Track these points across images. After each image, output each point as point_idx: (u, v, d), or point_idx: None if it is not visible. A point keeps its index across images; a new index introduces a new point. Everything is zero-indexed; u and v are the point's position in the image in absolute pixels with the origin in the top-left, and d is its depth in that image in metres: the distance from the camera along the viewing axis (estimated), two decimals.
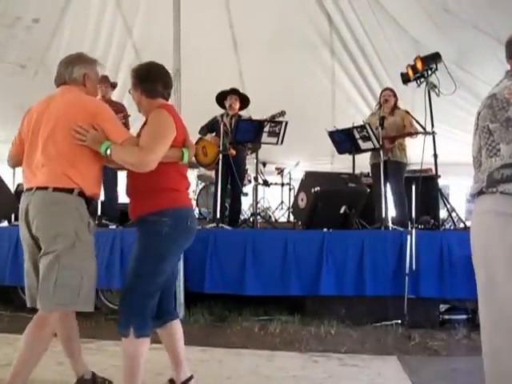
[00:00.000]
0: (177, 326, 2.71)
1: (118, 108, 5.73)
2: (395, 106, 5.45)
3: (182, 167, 2.46)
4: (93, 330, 4.15)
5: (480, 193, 1.80)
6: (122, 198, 6.03)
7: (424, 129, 5.02)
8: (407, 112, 5.39)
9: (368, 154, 5.53)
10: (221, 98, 5.75)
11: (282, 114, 5.35)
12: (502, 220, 1.75)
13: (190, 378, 2.68)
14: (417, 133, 5.20)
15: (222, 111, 5.78)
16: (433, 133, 4.96)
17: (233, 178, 5.58)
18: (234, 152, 5.46)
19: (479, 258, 2.01)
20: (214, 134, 5.61)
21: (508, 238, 1.74)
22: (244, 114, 6.07)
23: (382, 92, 5.60)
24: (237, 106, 5.68)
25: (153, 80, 2.49)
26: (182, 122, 2.48)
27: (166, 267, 2.43)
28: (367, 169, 5.83)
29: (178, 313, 2.77)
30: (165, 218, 2.34)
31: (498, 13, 5.15)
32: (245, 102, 5.79)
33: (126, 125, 5.74)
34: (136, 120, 7.44)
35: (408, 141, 5.41)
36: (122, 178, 5.86)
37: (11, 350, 3.31)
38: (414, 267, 4.22)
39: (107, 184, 5.45)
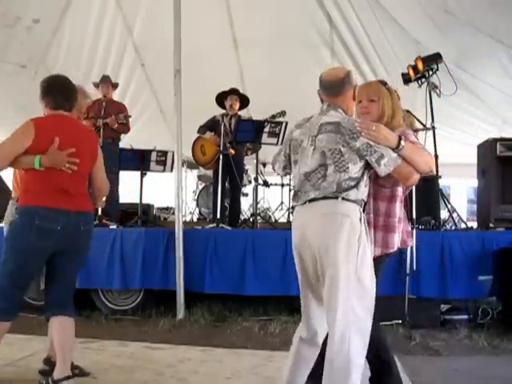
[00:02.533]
0: (59, 324, 2.65)
1: (120, 108, 5.75)
2: None
3: (47, 172, 2.58)
4: (93, 329, 4.16)
5: (324, 198, 2.22)
6: (123, 198, 6.04)
7: (424, 125, 5.00)
8: (408, 111, 5.38)
9: None
10: (221, 98, 5.75)
11: (283, 113, 5.34)
12: (343, 219, 2.18)
13: (63, 379, 2.55)
14: (417, 130, 5.19)
15: (221, 111, 5.78)
16: (432, 128, 4.94)
17: (232, 177, 5.58)
18: (233, 151, 5.45)
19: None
20: (212, 132, 5.61)
21: (346, 235, 2.17)
22: (244, 114, 6.06)
23: None
24: (237, 106, 5.68)
25: (53, 93, 2.70)
26: (56, 133, 2.60)
27: (19, 261, 2.57)
28: None
29: (69, 312, 2.68)
30: (16, 215, 2.63)
31: (498, 14, 5.15)
32: (244, 102, 5.79)
33: (127, 125, 5.75)
34: (136, 120, 7.49)
35: None
36: (122, 178, 5.88)
37: (12, 349, 3.31)
38: (414, 267, 4.22)
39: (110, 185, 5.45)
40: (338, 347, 2.12)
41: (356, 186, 2.22)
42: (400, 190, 2.41)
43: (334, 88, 2.35)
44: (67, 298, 2.72)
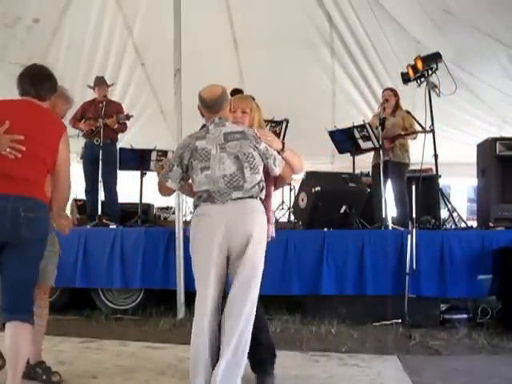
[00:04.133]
0: (10, 330, 2.39)
1: (119, 108, 5.75)
2: (397, 107, 5.44)
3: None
4: (93, 329, 4.16)
5: (250, 197, 2.60)
6: (123, 198, 6.05)
7: (423, 128, 5.02)
8: (408, 112, 5.39)
9: (369, 154, 5.53)
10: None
11: (285, 122, 5.35)
12: (263, 216, 2.66)
13: None
14: (414, 132, 5.20)
15: None
16: (431, 131, 4.95)
17: None
18: None
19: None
20: None
21: (265, 229, 2.71)
22: None
23: (383, 92, 5.60)
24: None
25: (22, 79, 2.70)
26: (9, 117, 2.49)
27: None
28: (367, 169, 5.83)
29: (22, 316, 2.40)
30: None
31: (497, 13, 5.15)
32: None
33: (125, 124, 5.74)
34: (137, 120, 7.49)
35: (409, 141, 5.41)
36: (122, 178, 5.88)
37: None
38: (414, 267, 4.23)
39: (107, 184, 5.46)
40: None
41: (263, 188, 2.65)
42: (272, 188, 2.91)
43: (215, 104, 2.68)
44: (19, 300, 2.42)
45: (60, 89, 2.84)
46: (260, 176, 2.63)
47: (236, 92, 5.72)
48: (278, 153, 2.71)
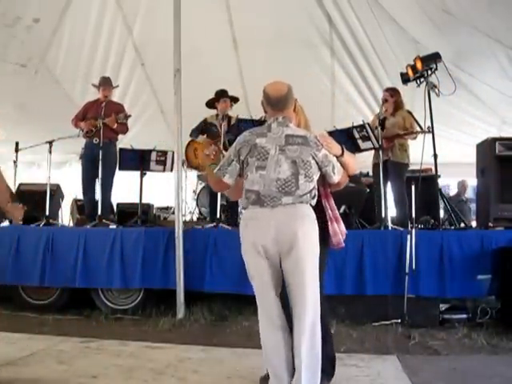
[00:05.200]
0: None
1: (119, 108, 5.75)
2: (398, 107, 5.44)
3: None
4: (93, 329, 4.17)
5: (300, 202, 2.55)
6: (123, 198, 6.05)
7: (422, 128, 5.02)
8: (409, 112, 5.39)
9: (369, 154, 5.53)
10: (212, 102, 5.81)
11: None
12: (313, 221, 2.59)
13: None
14: (413, 132, 5.20)
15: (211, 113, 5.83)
16: (429, 131, 4.95)
17: None
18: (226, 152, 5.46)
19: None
20: (205, 135, 5.67)
21: (316, 234, 2.60)
22: (244, 114, 6.07)
23: (383, 92, 5.61)
24: (228, 107, 5.78)
25: None
26: None
27: None
28: (367, 169, 5.84)
29: None
30: None
31: (496, 13, 5.15)
32: (235, 102, 5.89)
33: (126, 125, 5.74)
34: (136, 120, 7.50)
35: (409, 141, 5.41)
36: (122, 178, 5.89)
37: (12, 349, 3.32)
38: (413, 267, 4.23)
39: (103, 184, 5.46)
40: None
41: (315, 195, 2.62)
42: (329, 190, 2.84)
43: (281, 102, 2.63)
44: None
45: None
46: (313, 184, 2.59)
47: (225, 94, 5.78)
48: (337, 158, 2.67)
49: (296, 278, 2.50)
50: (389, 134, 5.27)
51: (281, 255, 2.52)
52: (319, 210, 2.68)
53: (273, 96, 2.62)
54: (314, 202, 2.61)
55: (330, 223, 2.73)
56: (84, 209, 5.84)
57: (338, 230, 2.76)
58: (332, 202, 2.81)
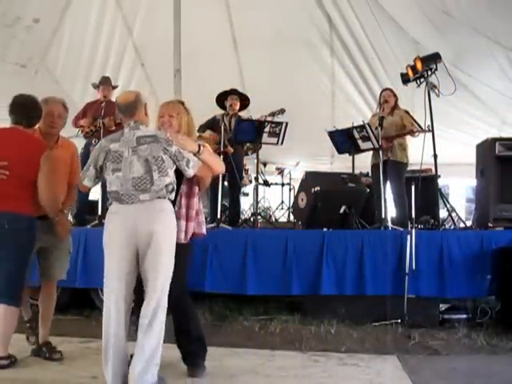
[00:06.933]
0: None
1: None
2: (395, 106, 5.45)
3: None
4: (93, 329, 4.15)
5: (158, 197, 2.76)
6: None
7: (421, 128, 5.02)
8: (406, 112, 5.39)
9: (369, 154, 5.54)
10: (221, 99, 5.75)
11: (282, 111, 5.34)
12: (171, 215, 2.83)
13: None
14: (413, 131, 5.19)
15: (222, 112, 5.78)
16: (429, 130, 4.95)
17: (231, 177, 5.57)
18: (231, 149, 5.44)
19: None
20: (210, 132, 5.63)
21: (173, 227, 2.85)
22: (244, 114, 6.07)
23: (382, 92, 5.59)
24: (237, 106, 5.67)
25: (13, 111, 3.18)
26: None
27: None
28: (367, 169, 5.84)
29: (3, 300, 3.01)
30: None
31: (495, 15, 5.16)
32: (245, 102, 5.80)
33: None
34: None
35: (409, 141, 5.41)
36: None
37: (12, 349, 3.31)
38: (413, 267, 4.23)
39: (104, 185, 5.45)
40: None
41: (173, 189, 2.83)
42: (197, 188, 3.03)
43: (129, 109, 2.87)
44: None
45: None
46: (170, 179, 2.79)
47: (233, 92, 5.74)
48: (195, 155, 2.87)
49: (151, 266, 2.72)
50: (387, 134, 5.27)
51: (138, 246, 2.74)
52: (173, 205, 2.88)
53: (122, 103, 2.89)
54: (172, 195, 2.83)
55: (177, 219, 2.92)
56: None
57: (183, 229, 2.95)
58: (194, 200, 3.01)
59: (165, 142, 2.79)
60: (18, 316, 3.13)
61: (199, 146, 2.91)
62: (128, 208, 2.76)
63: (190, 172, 2.85)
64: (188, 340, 3.03)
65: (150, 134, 2.84)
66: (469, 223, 5.59)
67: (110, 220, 2.86)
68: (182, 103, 3.18)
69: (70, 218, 6.25)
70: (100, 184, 5.45)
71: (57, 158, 3.23)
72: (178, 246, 2.86)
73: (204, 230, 3.12)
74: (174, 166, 2.82)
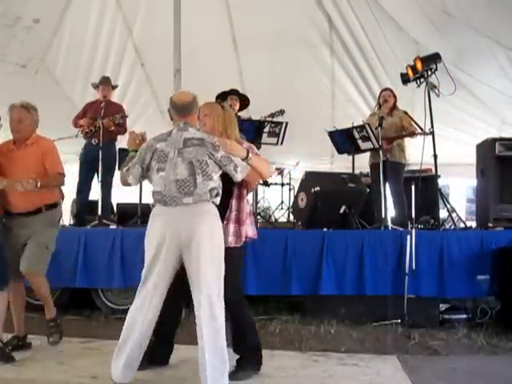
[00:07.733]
0: None
1: (118, 109, 5.74)
2: (394, 107, 5.45)
3: None
4: (93, 329, 4.16)
5: (202, 201, 2.75)
6: (123, 198, 6.04)
7: (422, 129, 5.02)
8: (405, 113, 5.40)
9: (368, 154, 5.54)
10: (220, 99, 5.75)
11: (282, 112, 5.34)
12: (215, 218, 2.81)
13: None
14: (414, 133, 5.20)
15: None
16: (431, 133, 4.96)
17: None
18: None
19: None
20: None
21: (219, 230, 2.83)
22: (243, 115, 6.07)
23: (381, 92, 5.59)
24: (237, 106, 5.67)
25: None
26: None
27: None
28: (367, 169, 5.84)
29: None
30: None
31: (495, 14, 5.16)
32: (244, 103, 5.79)
33: (123, 126, 5.73)
34: (136, 120, 7.50)
35: (408, 141, 5.42)
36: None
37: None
38: (413, 267, 4.23)
39: (103, 184, 5.45)
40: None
41: (217, 194, 2.81)
42: (245, 191, 3.04)
43: (184, 109, 2.86)
44: None
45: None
46: (214, 183, 2.78)
47: (233, 92, 5.74)
48: (244, 160, 2.86)
49: (194, 267, 2.71)
50: (387, 135, 5.27)
51: (181, 248, 2.72)
52: (224, 208, 2.89)
53: (178, 102, 2.88)
54: (217, 200, 2.81)
55: (225, 223, 2.91)
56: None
57: (232, 231, 2.94)
58: (243, 203, 3.00)
59: (211, 147, 2.78)
60: (6, 299, 3.25)
61: (247, 151, 2.90)
62: (172, 210, 2.75)
63: (238, 177, 2.84)
64: (242, 346, 3.04)
65: (198, 136, 2.82)
66: (469, 224, 5.59)
67: (154, 222, 2.83)
68: (220, 103, 3.20)
69: (70, 218, 6.30)
70: (100, 184, 5.52)
71: (17, 157, 3.47)
72: (230, 249, 2.87)
73: (255, 232, 3.11)
74: (220, 171, 2.82)
